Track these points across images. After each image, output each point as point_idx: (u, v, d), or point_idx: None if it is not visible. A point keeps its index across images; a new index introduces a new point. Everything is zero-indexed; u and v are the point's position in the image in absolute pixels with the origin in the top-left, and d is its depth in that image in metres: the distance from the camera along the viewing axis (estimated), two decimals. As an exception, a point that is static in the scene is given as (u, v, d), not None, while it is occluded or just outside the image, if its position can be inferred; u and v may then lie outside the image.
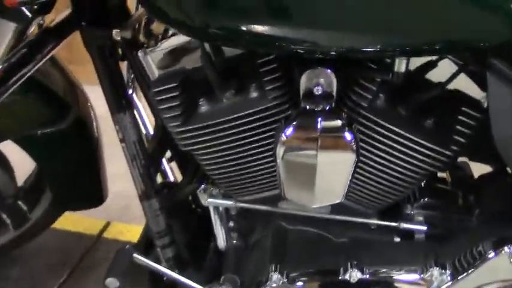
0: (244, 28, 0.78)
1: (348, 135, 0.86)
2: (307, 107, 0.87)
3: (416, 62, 0.97)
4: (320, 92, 0.86)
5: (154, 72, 0.99)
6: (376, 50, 0.77)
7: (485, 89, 0.97)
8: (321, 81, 0.86)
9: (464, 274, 0.93)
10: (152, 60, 0.98)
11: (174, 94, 0.95)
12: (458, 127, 0.93)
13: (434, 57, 0.96)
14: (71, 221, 1.95)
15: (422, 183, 1.11)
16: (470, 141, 0.94)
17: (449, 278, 0.94)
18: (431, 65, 0.96)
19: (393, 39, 0.77)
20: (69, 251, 1.84)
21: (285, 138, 0.86)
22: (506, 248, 0.90)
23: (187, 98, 0.96)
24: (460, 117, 0.93)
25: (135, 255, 1.04)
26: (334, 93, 0.87)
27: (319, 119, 0.85)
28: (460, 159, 1.21)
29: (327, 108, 0.87)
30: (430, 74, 0.98)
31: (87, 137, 1.39)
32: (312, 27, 0.77)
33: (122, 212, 2.01)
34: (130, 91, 1.32)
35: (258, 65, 0.91)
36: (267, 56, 0.91)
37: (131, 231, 1.89)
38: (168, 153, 1.29)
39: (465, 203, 1.09)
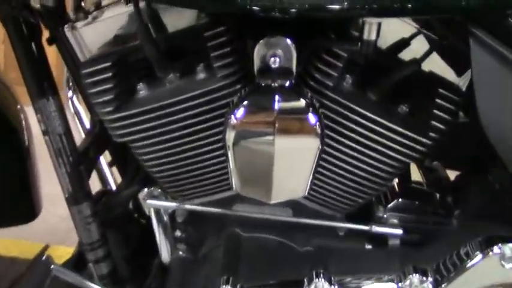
0: None
1: (311, 117, 0.73)
2: (262, 84, 0.73)
3: (387, 40, 0.85)
4: (277, 65, 0.72)
5: (84, 51, 0.84)
6: (343, 8, 0.64)
7: (460, 72, 0.87)
8: (279, 52, 0.73)
9: (450, 280, 0.79)
10: (81, 37, 0.84)
11: (107, 75, 0.81)
12: (436, 112, 0.82)
13: (406, 35, 0.85)
14: (4, 245, 1.77)
15: (395, 184, 0.99)
16: (449, 129, 0.82)
17: (430, 285, 0.80)
18: (403, 44, 0.85)
19: None
20: (1, 276, 1.64)
21: (235, 120, 0.72)
22: (495, 248, 0.77)
23: (122, 80, 0.82)
24: (437, 100, 0.82)
25: (54, 267, 0.86)
26: (294, 68, 0.74)
27: (277, 97, 0.72)
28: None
29: (286, 84, 0.73)
30: (402, 54, 0.87)
31: (15, 144, 1.21)
32: None
33: (65, 235, 1.84)
34: (70, 93, 1.19)
35: (205, 39, 0.78)
36: (216, 28, 0.78)
37: (73, 255, 1.71)
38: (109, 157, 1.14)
39: (443, 204, 0.98)
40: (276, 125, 0.72)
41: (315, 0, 0.64)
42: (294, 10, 0.64)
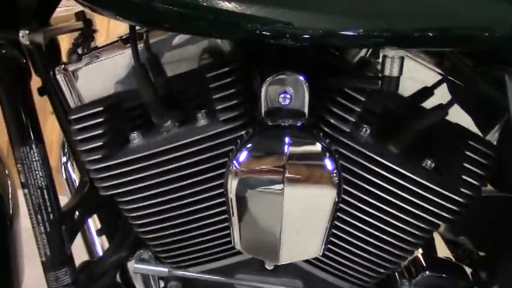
0: (200, 2, 0.57)
1: (328, 163, 0.63)
2: (270, 123, 0.64)
3: (409, 89, 0.77)
4: (288, 103, 0.64)
5: (75, 95, 0.77)
6: (358, 33, 0.57)
7: (485, 128, 0.78)
8: (289, 89, 0.64)
9: None
10: (73, 80, 0.77)
11: (97, 121, 0.73)
12: (467, 165, 0.72)
13: (430, 84, 0.77)
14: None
15: (420, 255, 0.87)
16: (484, 183, 0.72)
17: None
18: (426, 92, 0.77)
19: (381, 22, 0.58)
20: None
21: (237, 166, 0.62)
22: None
23: (114, 127, 0.74)
24: (467, 153, 0.72)
25: None
26: (306, 109, 0.66)
27: (287, 139, 0.62)
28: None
29: (298, 124, 0.64)
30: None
31: None
32: (283, 4, 0.57)
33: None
34: (64, 159, 1.12)
35: (208, 80, 0.70)
36: (220, 68, 0.71)
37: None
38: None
39: (476, 279, 0.85)
40: (286, 172, 0.62)
41: (329, 25, 0.57)
42: (306, 36, 0.57)
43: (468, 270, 0.89)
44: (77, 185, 1.00)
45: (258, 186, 0.63)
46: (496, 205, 1.00)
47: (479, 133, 0.77)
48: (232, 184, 0.63)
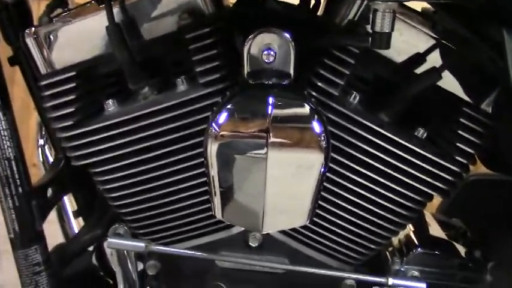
0: None
1: (316, 126, 0.58)
2: (252, 82, 0.60)
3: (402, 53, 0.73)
4: (271, 60, 0.60)
5: (46, 60, 0.72)
6: None
7: (478, 99, 0.74)
8: (273, 46, 0.60)
9: None
10: (44, 44, 0.72)
11: (70, 86, 0.69)
12: (462, 133, 0.68)
13: (421, 50, 0.73)
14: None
15: (411, 232, 0.83)
16: (480, 150, 0.68)
17: None
18: (419, 59, 0.73)
19: None
20: None
21: (217, 129, 0.58)
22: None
23: (87, 93, 0.70)
24: (462, 120, 0.69)
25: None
26: (292, 69, 0.61)
27: (271, 99, 0.58)
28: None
29: (284, 83, 0.60)
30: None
31: None
32: None
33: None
34: (41, 141, 1.07)
35: (187, 42, 0.66)
36: (200, 29, 0.66)
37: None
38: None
39: (471, 258, 0.81)
40: (270, 135, 0.57)
41: None
42: None
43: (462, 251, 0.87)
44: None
45: (240, 150, 0.59)
46: (488, 187, 0.98)
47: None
48: (212, 149, 0.59)
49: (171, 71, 0.70)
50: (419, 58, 0.72)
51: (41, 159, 1.08)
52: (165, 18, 0.70)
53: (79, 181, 0.86)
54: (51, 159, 1.07)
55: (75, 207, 0.97)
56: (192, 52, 0.66)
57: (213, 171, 0.60)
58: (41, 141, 1.10)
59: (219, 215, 0.62)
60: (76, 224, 1.01)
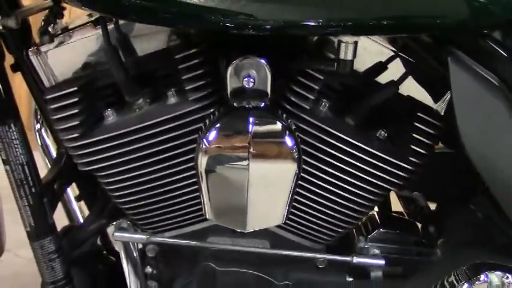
0: None
1: (288, 140, 0.69)
2: (236, 105, 0.70)
3: (364, 64, 0.83)
4: (251, 86, 0.69)
5: (49, 75, 0.81)
6: (318, 25, 0.62)
7: (437, 98, 0.85)
8: (253, 73, 0.70)
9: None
10: (46, 61, 0.81)
11: (73, 100, 0.77)
12: (416, 136, 0.79)
13: (384, 59, 0.83)
14: (-30, 290, 1.67)
15: (375, 213, 0.96)
16: (430, 155, 0.80)
17: (417, 319, 0.76)
18: (380, 67, 0.83)
19: (338, 13, 0.63)
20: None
21: (207, 144, 0.68)
22: (482, 277, 0.74)
23: (89, 105, 0.79)
24: (417, 124, 0.79)
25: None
26: (269, 89, 0.71)
27: (251, 119, 0.68)
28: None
29: (261, 106, 0.70)
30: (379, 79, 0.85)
31: None
32: None
33: (33, 278, 1.74)
34: (38, 126, 1.14)
35: (177, 61, 0.75)
36: (187, 50, 0.75)
37: (38, 298, 1.63)
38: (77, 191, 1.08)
39: (426, 233, 0.94)
40: (251, 149, 0.68)
41: (289, 16, 0.62)
42: (268, 27, 0.62)
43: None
44: (54, 156, 1.05)
45: (226, 162, 0.69)
46: (446, 160, 1.07)
47: (431, 102, 0.84)
48: (202, 160, 0.69)
49: (162, 83, 0.79)
50: (380, 67, 0.82)
51: (39, 143, 1.17)
52: (156, 36, 0.79)
53: (81, 172, 0.96)
54: (47, 141, 1.16)
55: (77, 193, 1.08)
56: (181, 71, 0.75)
57: (203, 180, 0.71)
58: (38, 126, 1.19)
59: (208, 216, 0.73)
60: (77, 207, 1.12)
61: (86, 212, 1.10)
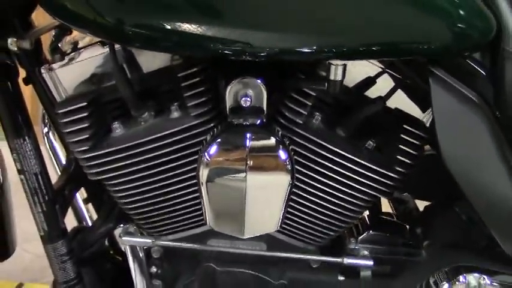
0: (165, 27, 0.67)
1: (282, 154, 0.75)
2: (234, 122, 0.76)
3: (355, 79, 0.89)
4: (248, 104, 0.76)
5: (60, 91, 0.86)
6: (309, 51, 0.68)
7: (424, 108, 0.91)
8: (249, 92, 0.76)
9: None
10: (58, 78, 0.86)
11: (83, 115, 0.83)
12: (402, 147, 0.85)
13: (372, 74, 0.89)
14: (-22, 285, 1.74)
15: (366, 216, 1.02)
16: (418, 161, 0.85)
17: (401, 316, 0.83)
18: (369, 82, 0.89)
19: (329, 40, 0.69)
20: (-26, 316, 1.61)
21: (208, 158, 0.75)
22: (461, 278, 0.80)
23: (98, 119, 0.84)
24: (402, 136, 0.85)
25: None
26: (265, 107, 0.77)
27: (248, 135, 0.74)
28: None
29: (257, 123, 0.76)
30: (370, 91, 0.91)
31: None
32: (242, 26, 0.68)
33: (41, 273, 1.82)
34: (45, 129, 1.20)
35: (179, 79, 0.81)
36: (189, 68, 0.81)
37: (47, 292, 1.69)
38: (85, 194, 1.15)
39: (412, 235, 1.00)
40: (248, 162, 0.74)
41: (284, 44, 0.68)
42: (264, 54, 0.67)
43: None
44: (61, 156, 1.11)
45: (225, 174, 0.76)
46: (433, 163, 1.12)
47: (419, 113, 0.90)
48: (204, 172, 0.76)
49: (166, 98, 0.85)
50: (369, 81, 0.88)
51: (47, 145, 1.23)
52: (159, 55, 0.85)
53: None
54: (54, 143, 1.22)
55: (85, 196, 1.15)
56: (183, 88, 0.81)
57: (205, 190, 0.77)
58: (45, 129, 1.25)
59: (209, 223, 0.80)
60: (84, 208, 1.18)
61: (93, 213, 1.17)
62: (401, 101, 0.91)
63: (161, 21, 0.67)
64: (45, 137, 1.23)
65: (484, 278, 0.81)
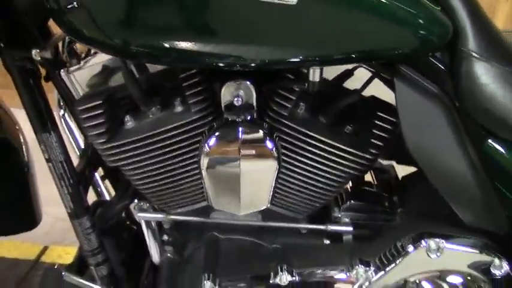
0: (165, 45, 0.80)
1: (268, 144, 0.89)
2: (229, 118, 0.89)
3: (335, 71, 1.02)
4: (240, 103, 0.89)
5: (78, 90, 1.00)
6: (296, 61, 0.81)
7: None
8: (241, 93, 0.89)
9: (387, 269, 0.97)
10: (75, 79, 0.99)
11: (99, 112, 0.95)
12: (375, 131, 0.98)
13: (350, 67, 1.01)
14: (6, 247, 1.91)
15: (349, 187, 1.16)
16: (389, 144, 0.99)
17: (373, 274, 0.99)
18: (347, 74, 1.01)
19: (311, 51, 0.81)
20: (4, 278, 1.79)
21: (208, 149, 0.89)
22: (423, 242, 0.96)
23: (112, 115, 0.97)
24: (376, 121, 0.98)
25: (64, 274, 1.03)
26: (254, 104, 0.90)
27: (240, 129, 0.88)
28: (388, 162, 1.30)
29: (248, 118, 0.89)
30: (347, 83, 1.03)
31: (15, 161, 1.36)
32: (234, 42, 0.80)
33: (62, 235, 1.98)
34: (61, 112, 1.32)
35: (180, 79, 0.93)
36: (189, 70, 0.93)
37: (71, 254, 1.83)
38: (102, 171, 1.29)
39: (389, 203, 1.15)
40: (241, 152, 0.88)
41: (274, 56, 0.80)
42: (254, 65, 0.80)
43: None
44: (83, 146, 1.25)
45: (222, 162, 0.90)
46: None
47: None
48: (204, 161, 0.90)
49: (170, 94, 0.98)
50: (347, 73, 1.01)
51: (64, 127, 1.36)
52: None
53: None
54: (71, 124, 1.35)
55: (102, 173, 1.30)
56: (185, 88, 0.94)
57: (205, 175, 0.91)
58: (61, 112, 1.38)
59: (210, 203, 0.95)
60: (102, 185, 1.33)
61: (110, 189, 1.32)
62: (380, 87, 1.03)
63: (160, 41, 0.79)
64: (62, 118, 1.36)
65: (442, 242, 0.96)
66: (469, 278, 0.99)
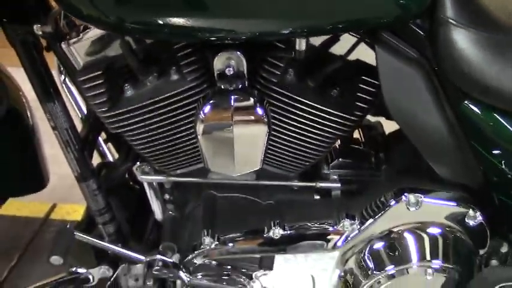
0: (159, 20, 0.85)
1: (259, 110, 0.96)
2: (222, 87, 0.96)
3: (321, 38, 1.07)
4: (232, 73, 0.95)
5: (79, 62, 1.05)
6: (285, 32, 0.87)
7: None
8: (232, 62, 0.95)
9: (370, 222, 1.06)
10: (76, 51, 1.04)
11: (99, 82, 1.01)
12: (360, 94, 1.04)
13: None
14: (15, 207, 2.00)
15: (338, 145, 1.24)
16: (373, 105, 1.05)
17: (358, 227, 1.07)
18: (333, 40, 1.06)
19: (299, 23, 0.87)
20: (16, 235, 1.89)
21: (203, 116, 0.95)
22: (403, 197, 1.04)
23: (112, 84, 1.03)
24: (360, 85, 1.04)
25: (76, 233, 1.12)
26: (245, 73, 0.96)
27: (233, 97, 0.94)
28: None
29: (240, 86, 0.96)
30: (334, 48, 1.09)
31: (21, 126, 1.42)
32: (225, 16, 0.85)
33: (68, 193, 2.06)
34: (62, 77, 1.38)
35: (175, 50, 0.99)
36: (182, 41, 0.99)
37: (78, 211, 1.94)
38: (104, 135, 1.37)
39: (375, 160, 1.22)
40: (233, 118, 0.95)
41: (264, 28, 0.86)
42: (245, 38, 0.86)
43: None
44: (85, 110, 1.32)
45: (216, 128, 0.96)
46: None
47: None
48: (200, 127, 0.97)
49: (166, 63, 1.03)
50: (333, 39, 1.06)
51: (66, 91, 1.42)
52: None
53: None
54: (72, 88, 1.41)
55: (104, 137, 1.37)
56: (179, 58, 0.99)
57: (201, 140, 0.98)
58: (62, 77, 1.43)
59: (207, 166, 1.02)
60: (105, 147, 1.41)
61: (113, 150, 1.40)
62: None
63: (154, 17, 0.85)
64: (63, 84, 1.42)
65: (421, 197, 1.04)
66: (447, 228, 1.08)
